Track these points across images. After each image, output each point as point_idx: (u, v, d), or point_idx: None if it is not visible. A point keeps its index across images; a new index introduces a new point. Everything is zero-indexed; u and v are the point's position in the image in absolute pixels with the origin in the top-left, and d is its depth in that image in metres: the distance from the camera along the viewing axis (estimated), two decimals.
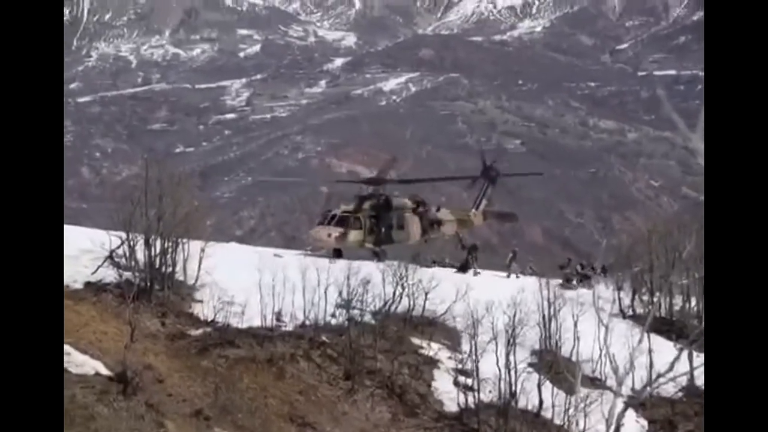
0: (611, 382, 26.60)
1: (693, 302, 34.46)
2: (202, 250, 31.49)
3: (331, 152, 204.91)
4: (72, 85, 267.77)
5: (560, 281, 39.75)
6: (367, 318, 29.98)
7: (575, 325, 28.07)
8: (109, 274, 30.40)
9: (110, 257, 30.83)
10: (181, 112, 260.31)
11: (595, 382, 28.62)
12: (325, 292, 29.19)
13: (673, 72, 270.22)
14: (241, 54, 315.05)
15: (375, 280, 30.84)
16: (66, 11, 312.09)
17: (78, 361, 23.49)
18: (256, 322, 28.80)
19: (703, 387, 23.51)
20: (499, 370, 26.88)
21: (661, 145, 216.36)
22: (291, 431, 24.71)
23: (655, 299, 34.93)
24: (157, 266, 30.81)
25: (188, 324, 29.00)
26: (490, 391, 27.30)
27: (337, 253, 43.38)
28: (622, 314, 35.56)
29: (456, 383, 28.21)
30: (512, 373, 26.84)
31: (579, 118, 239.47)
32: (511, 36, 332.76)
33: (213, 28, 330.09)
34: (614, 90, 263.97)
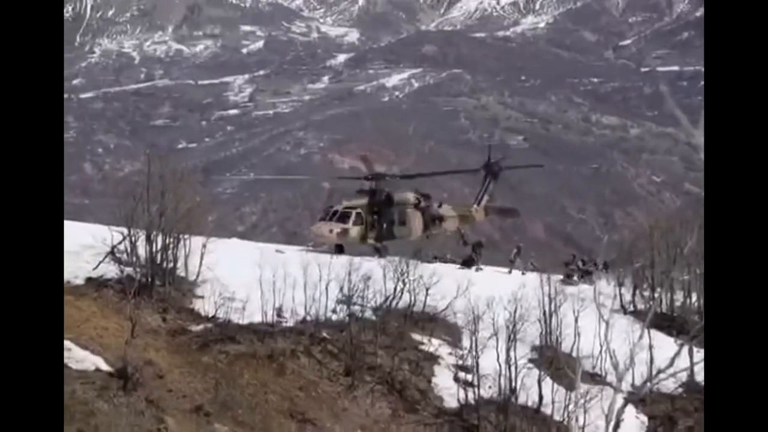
0: (611, 377, 26.62)
1: (694, 298, 34.41)
2: (204, 246, 31.54)
3: (333, 148, 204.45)
4: (75, 81, 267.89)
5: (561, 277, 39.72)
6: (368, 314, 30.01)
7: (576, 321, 28.10)
8: (110, 270, 30.43)
9: (112, 253, 30.88)
10: (183, 108, 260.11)
11: (595, 378, 28.65)
12: (326, 288, 29.22)
13: (676, 68, 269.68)
14: (244, 50, 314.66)
15: (376, 276, 30.86)
16: (69, 8, 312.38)
17: (78, 357, 23.53)
18: (257, 318, 28.82)
19: (703, 383, 23.47)
20: (500, 365, 26.90)
21: (663, 141, 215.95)
22: (291, 427, 24.73)
23: (656, 295, 34.91)
24: (158, 262, 30.84)
25: (189, 320, 29.02)
26: (490, 387, 27.32)
27: (339, 249, 43.39)
28: (623, 310, 35.54)
29: (456, 379, 28.22)
30: (512, 369, 26.86)
31: (582, 114, 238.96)
32: (514, 32, 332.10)
33: (216, 24, 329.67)
34: (617, 86, 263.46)
